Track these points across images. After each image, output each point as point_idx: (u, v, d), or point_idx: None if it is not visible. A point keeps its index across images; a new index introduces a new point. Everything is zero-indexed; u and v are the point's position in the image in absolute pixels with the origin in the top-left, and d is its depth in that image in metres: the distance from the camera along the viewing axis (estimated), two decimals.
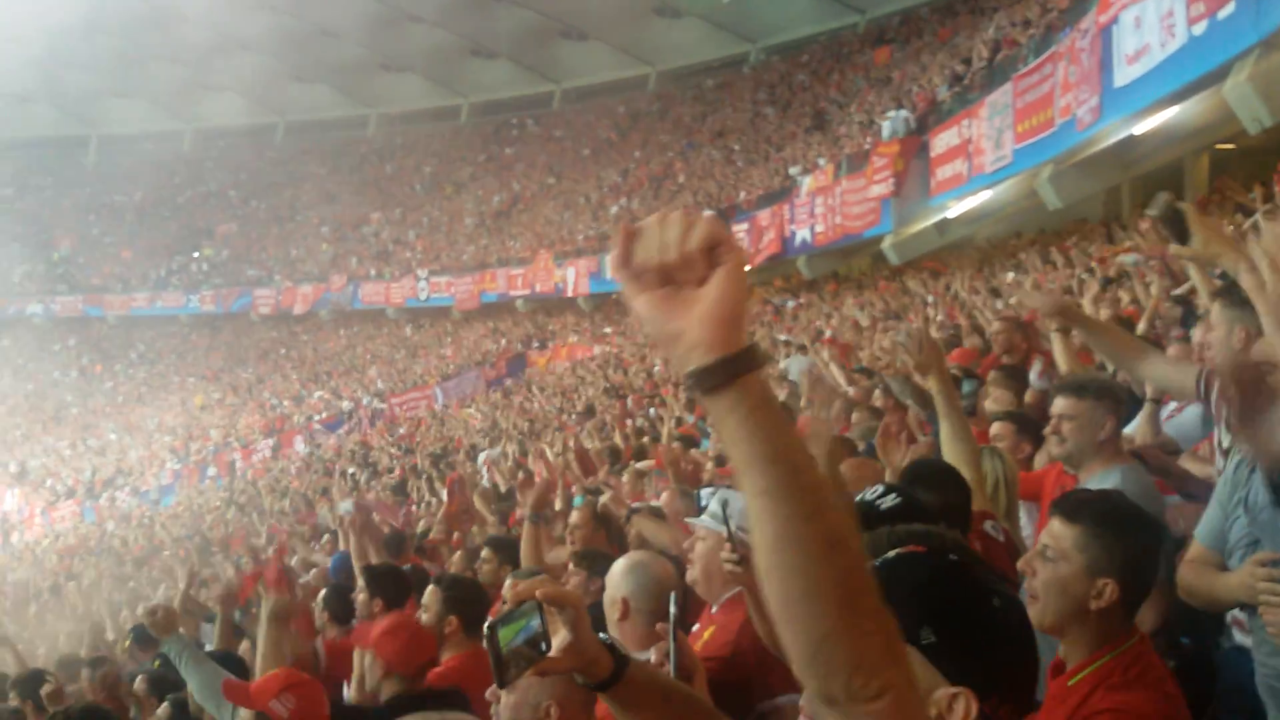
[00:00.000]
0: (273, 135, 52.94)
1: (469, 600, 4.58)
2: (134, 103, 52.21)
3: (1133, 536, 2.54)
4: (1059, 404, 3.70)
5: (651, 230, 1.18)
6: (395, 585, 5.22)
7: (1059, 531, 2.54)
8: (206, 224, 49.91)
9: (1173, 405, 4.80)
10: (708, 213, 1.22)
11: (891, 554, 1.66)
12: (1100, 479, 3.43)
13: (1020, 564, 2.63)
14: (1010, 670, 1.55)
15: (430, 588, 4.67)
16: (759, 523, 1.19)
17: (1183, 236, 3.31)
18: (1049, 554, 2.52)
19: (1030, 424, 4.89)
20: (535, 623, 1.73)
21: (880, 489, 3.07)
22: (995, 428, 5.03)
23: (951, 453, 3.92)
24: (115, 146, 54.21)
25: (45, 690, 5.60)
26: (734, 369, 1.17)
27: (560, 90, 47.27)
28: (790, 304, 23.41)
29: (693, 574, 3.43)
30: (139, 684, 5.51)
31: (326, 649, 5.37)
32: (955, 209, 21.44)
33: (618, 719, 1.87)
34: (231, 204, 51.00)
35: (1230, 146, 18.03)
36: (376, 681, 3.98)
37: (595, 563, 4.38)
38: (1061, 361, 5.16)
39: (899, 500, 2.95)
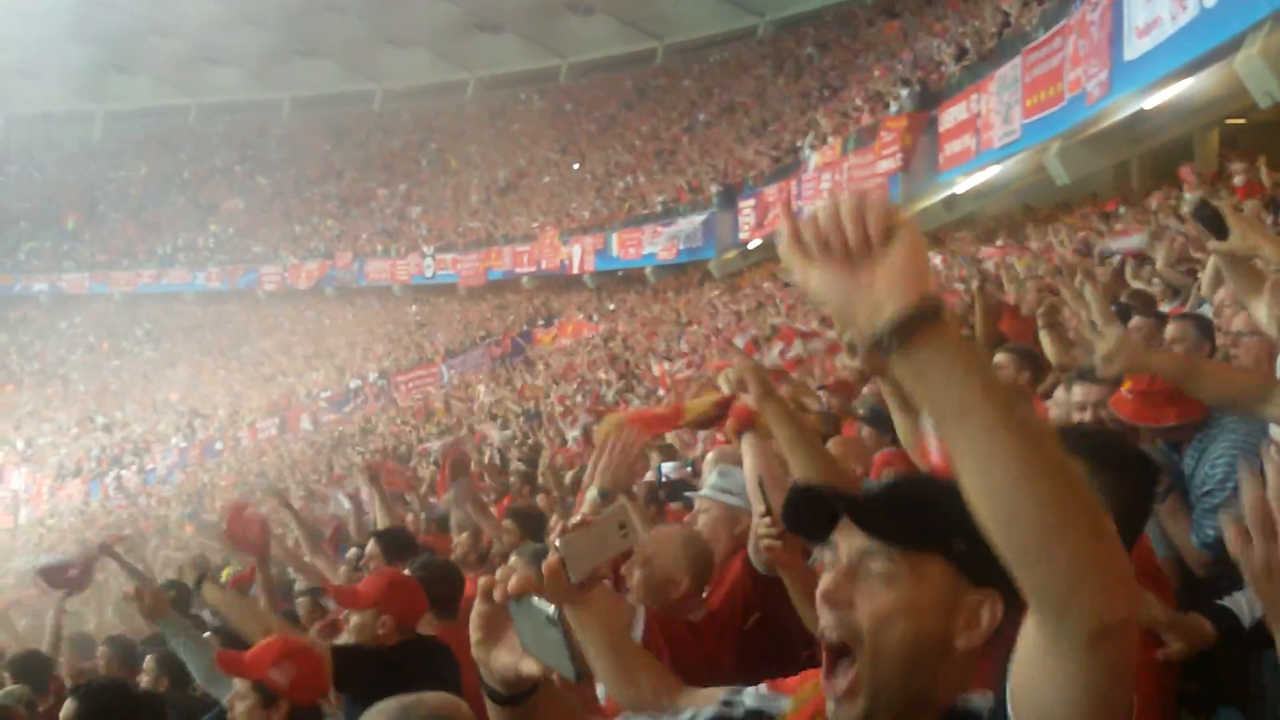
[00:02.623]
0: (278, 110, 52.75)
1: (441, 581, 4.53)
2: (138, 78, 52.12)
3: (1132, 475, 2.39)
4: (1080, 393, 3.57)
5: (825, 211, 1.24)
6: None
7: None
8: (212, 200, 49.81)
9: None
10: (870, 189, 1.23)
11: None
12: None
13: None
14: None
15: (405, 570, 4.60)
16: (995, 462, 1.17)
17: (1220, 232, 3.21)
18: None
19: (1028, 354, 4.84)
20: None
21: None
22: (997, 358, 5.05)
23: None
24: (120, 122, 54.16)
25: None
26: (934, 307, 1.19)
27: (566, 65, 46.98)
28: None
29: None
30: (148, 663, 5.43)
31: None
32: (963, 184, 21.25)
33: None
34: (237, 180, 50.86)
35: (1241, 121, 17.80)
36: (375, 640, 3.95)
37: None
38: (1050, 352, 5.07)
39: None
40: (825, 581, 1.49)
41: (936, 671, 1.45)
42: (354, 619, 4.07)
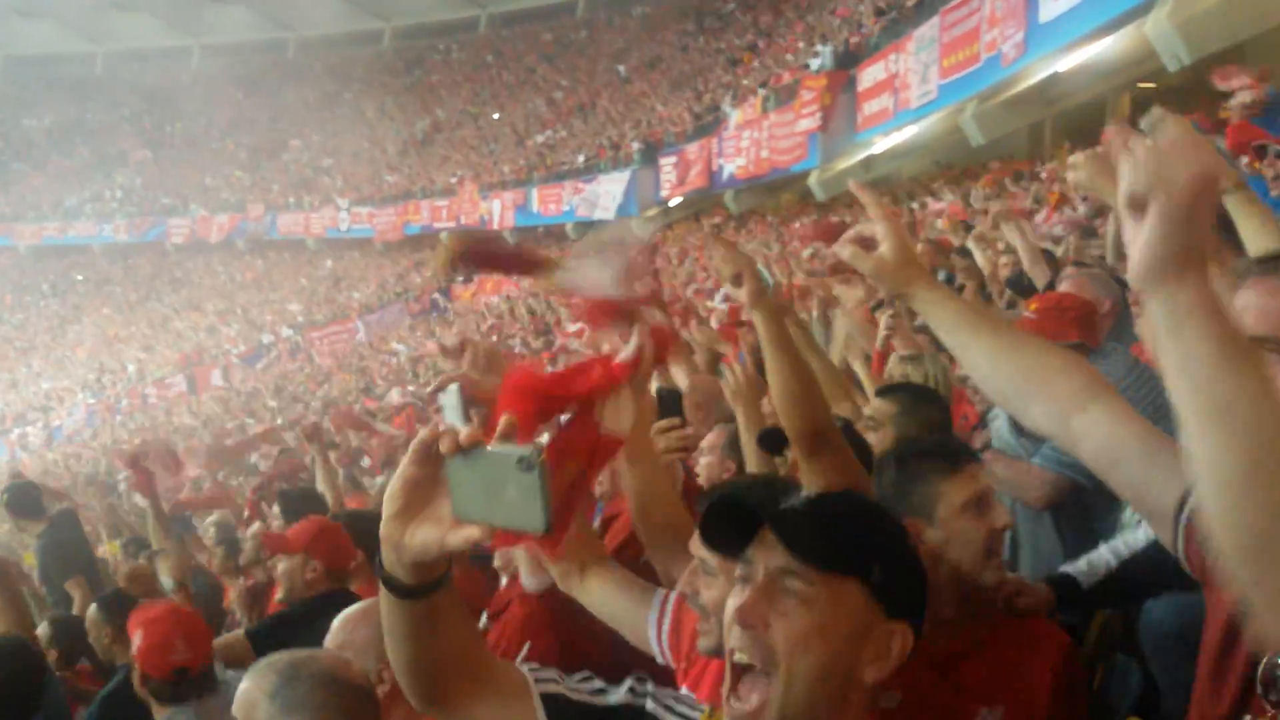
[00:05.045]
0: (188, 58, 51.29)
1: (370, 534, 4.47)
2: (42, 23, 50.27)
3: None
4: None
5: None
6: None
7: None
8: (119, 150, 48.42)
9: None
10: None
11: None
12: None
13: None
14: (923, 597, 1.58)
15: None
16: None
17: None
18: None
19: None
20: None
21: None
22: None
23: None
24: (24, 69, 52.33)
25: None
26: None
27: (486, 15, 46.25)
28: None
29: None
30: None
31: None
32: (881, 144, 21.32)
33: (412, 640, 1.50)
34: (145, 130, 49.49)
35: (1151, 85, 18.05)
36: (304, 585, 3.96)
37: None
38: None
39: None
40: (740, 599, 1.44)
41: (845, 701, 1.43)
42: (281, 565, 4.04)
